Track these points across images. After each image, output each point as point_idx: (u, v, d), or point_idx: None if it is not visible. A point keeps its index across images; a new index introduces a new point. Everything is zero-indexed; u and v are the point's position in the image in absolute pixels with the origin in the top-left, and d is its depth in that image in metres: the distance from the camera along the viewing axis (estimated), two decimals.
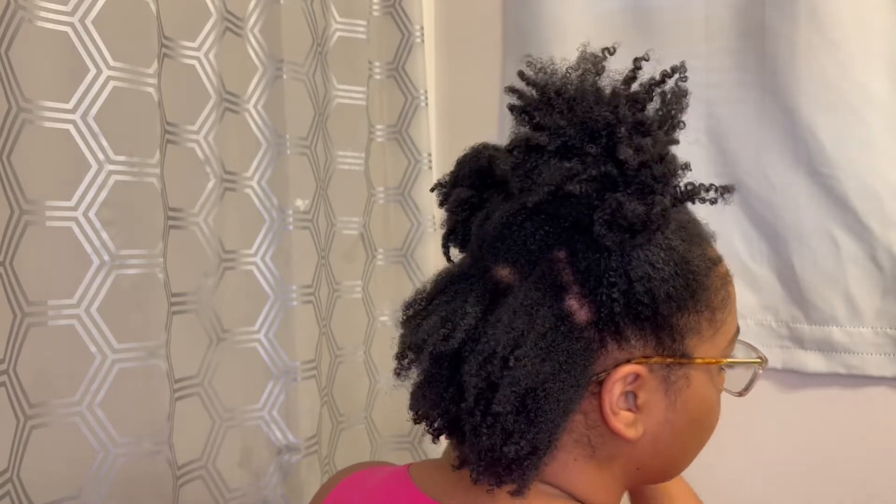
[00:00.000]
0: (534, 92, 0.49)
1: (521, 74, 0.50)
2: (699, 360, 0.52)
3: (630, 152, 0.45)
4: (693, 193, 0.50)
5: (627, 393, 0.50)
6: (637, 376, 0.50)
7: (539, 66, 0.50)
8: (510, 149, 0.50)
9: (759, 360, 0.57)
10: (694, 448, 0.56)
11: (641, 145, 0.45)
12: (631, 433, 0.50)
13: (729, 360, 0.55)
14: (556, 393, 0.47)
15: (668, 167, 0.46)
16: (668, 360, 0.51)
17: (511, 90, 0.50)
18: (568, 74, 0.49)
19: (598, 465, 0.52)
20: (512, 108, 0.50)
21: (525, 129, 0.49)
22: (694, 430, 0.55)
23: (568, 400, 0.48)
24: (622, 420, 0.50)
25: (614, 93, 0.48)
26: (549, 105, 0.48)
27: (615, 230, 0.45)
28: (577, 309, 0.48)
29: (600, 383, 0.50)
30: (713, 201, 0.50)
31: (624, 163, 0.45)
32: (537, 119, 0.48)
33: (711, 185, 0.50)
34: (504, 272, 0.50)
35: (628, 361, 0.49)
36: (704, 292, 0.51)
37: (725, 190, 0.50)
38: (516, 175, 0.48)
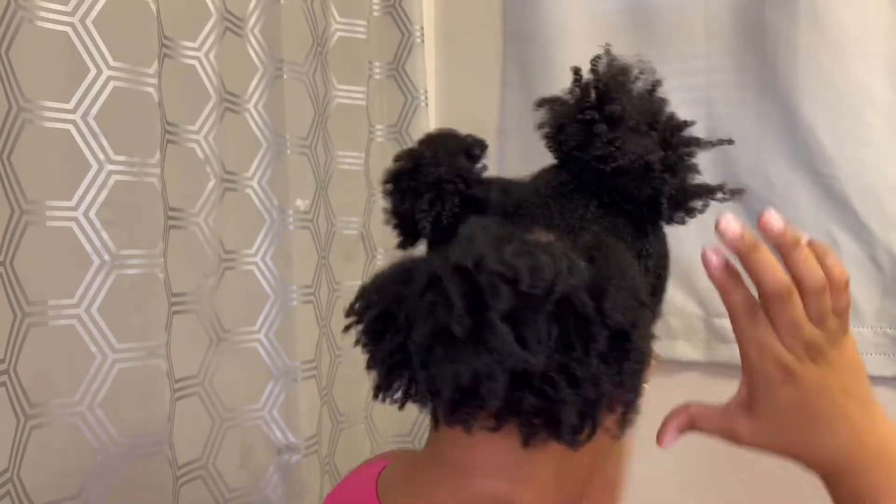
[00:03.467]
0: (600, 78, 0.51)
1: (596, 59, 0.52)
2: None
3: (687, 147, 0.51)
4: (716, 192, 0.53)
5: None
6: None
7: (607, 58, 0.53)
8: (581, 114, 0.50)
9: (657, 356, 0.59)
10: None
11: (690, 143, 0.51)
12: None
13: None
14: None
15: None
16: None
17: (575, 70, 0.52)
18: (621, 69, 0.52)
19: (596, 459, 0.52)
20: (579, 80, 0.52)
21: (595, 107, 0.50)
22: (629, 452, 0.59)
23: None
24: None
25: (658, 92, 0.52)
26: (621, 88, 0.50)
27: (674, 205, 0.50)
28: None
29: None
30: (724, 200, 0.53)
31: (681, 152, 0.51)
32: (612, 106, 0.50)
33: (723, 183, 0.52)
34: (546, 237, 0.49)
35: None
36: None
37: (734, 191, 0.53)
38: (599, 142, 0.49)
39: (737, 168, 1.01)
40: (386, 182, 0.54)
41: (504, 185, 0.52)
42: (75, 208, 0.75)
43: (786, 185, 0.98)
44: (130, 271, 0.78)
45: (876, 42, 0.93)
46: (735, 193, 0.52)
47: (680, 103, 1.09)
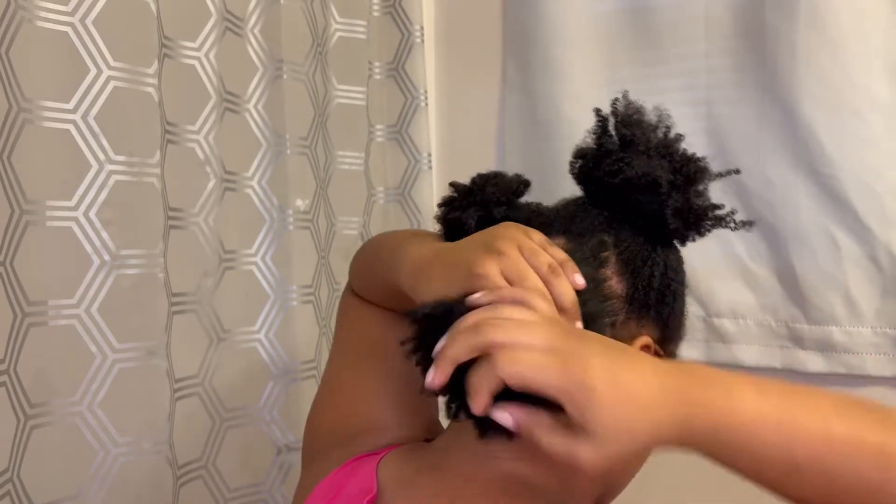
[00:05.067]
0: (617, 114, 0.59)
1: (615, 100, 0.59)
2: None
3: (698, 172, 0.57)
4: (725, 217, 0.58)
5: None
6: (647, 348, 0.56)
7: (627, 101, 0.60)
8: (598, 141, 0.58)
9: None
10: (635, 467, 0.59)
11: (701, 171, 0.57)
12: None
13: None
14: None
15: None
16: (661, 354, 0.57)
17: (597, 111, 0.60)
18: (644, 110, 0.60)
19: None
20: (600, 118, 0.58)
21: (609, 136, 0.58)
22: None
23: None
24: None
25: (678, 138, 0.59)
26: (636, 122, 0.57)
27: (679, 217, 0.55)
28: (614, 282, 0.56)
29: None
30: (734, 227, 0.58)
31: (691, 178, 0.56)
32: (624, 130, 0.57)
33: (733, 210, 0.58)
34: (558, 241, 0.56)
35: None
36: (686, 310, 0.62)
37: (745, 223, 0.58)
38: (611, 159, 0.56)
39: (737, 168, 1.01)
40: (440, 205, 0.62)
41: (535, 208, 0.60)
42: (75, 208, 0.75)
43: (786, 185, 0.98)
44: (130, 271, 0.78)
45: (876, 42, 0.93)
46: (746, 225, 0.57)
47: (680, 103, 1.11)
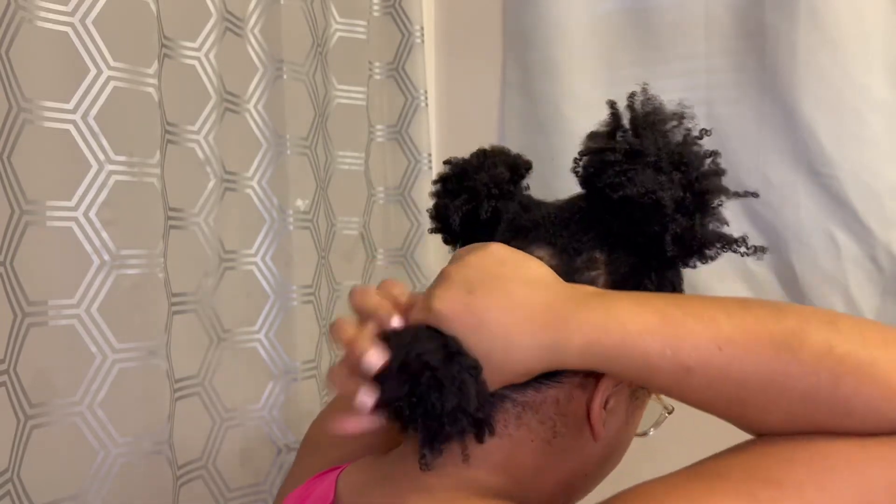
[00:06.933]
0: (632, 114, 0.54)
1: (632, 96, 0.54)
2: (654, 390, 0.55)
3: (712, 191, 0.51)
4: (734, 244, 0.53)
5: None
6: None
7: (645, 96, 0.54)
8: (605, 148, 0.53)
9: (669, 408, 0.60)
10: (603, 476, 0.58)
11: (716, 190, 0.52)
12: (600, 429, 0.52)
13: (664, 402, 0.59)
14: None
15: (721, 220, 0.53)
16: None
17: (611, 104, 0.55)
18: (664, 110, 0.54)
19: (550, 453, 0.53)
20: (614, 114, 0.54)
21: (619, 140, 0.53)
22: (619, 455, 0.57)
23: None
24: (599, 416, 0.52)
25: (697, 142, 0.53)
26: (650, 125, 0.52)
27: (679, 245, 0.51)
28: None
29: (596, 376, 0.51)
30: (744, 254, 0.53)
31: (702, 198, 0.51)
32: (632, 138, 0.52)
33: (744, 237, 0.53)
34: (541, 253, 0.53)
35: None
36: None
37: (758, 248, 0.53)
38: (612, 171, 0.51)
39: (737, 168, 1.01)
40: (434, 182, 0.60)
41: (526, 203, 0.57)
42: (75, 208, 0.75)
43: (786, 185, 0.98)
44: (130, 271, 0.78)
45: (875, 42, 0.93)
46: (758, 251, 0.53)
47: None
